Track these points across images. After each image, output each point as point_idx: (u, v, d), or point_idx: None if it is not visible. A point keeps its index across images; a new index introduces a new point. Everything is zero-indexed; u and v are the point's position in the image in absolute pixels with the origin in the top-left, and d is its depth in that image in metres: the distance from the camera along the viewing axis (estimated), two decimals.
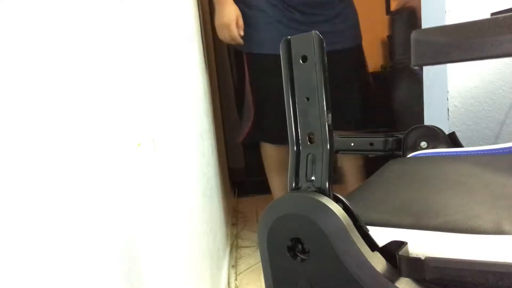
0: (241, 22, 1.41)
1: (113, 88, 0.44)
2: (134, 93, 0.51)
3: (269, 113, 1.49)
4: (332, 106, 0.37)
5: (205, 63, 1.47)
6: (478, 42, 0.28)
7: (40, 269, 0.27)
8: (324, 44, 0.38)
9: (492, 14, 0.73)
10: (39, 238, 0.27)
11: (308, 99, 0.39)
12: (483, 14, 1.06)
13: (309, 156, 0.40)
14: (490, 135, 1.14)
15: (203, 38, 1.50)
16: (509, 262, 0.34)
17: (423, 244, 0.41)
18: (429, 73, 1.18)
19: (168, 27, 0.79)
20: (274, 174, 1.61)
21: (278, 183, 1.62)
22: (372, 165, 0.77)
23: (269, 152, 1.60)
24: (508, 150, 0.69)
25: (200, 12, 1.50)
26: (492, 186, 0.48)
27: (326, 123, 0.38)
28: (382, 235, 0.43)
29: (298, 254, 0.40)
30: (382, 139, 0.76)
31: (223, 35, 1.42)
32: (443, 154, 0.69)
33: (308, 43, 0.38)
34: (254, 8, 1.43)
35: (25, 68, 0.28)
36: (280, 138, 1.52)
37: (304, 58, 0.38)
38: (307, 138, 0.40)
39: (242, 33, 1.42)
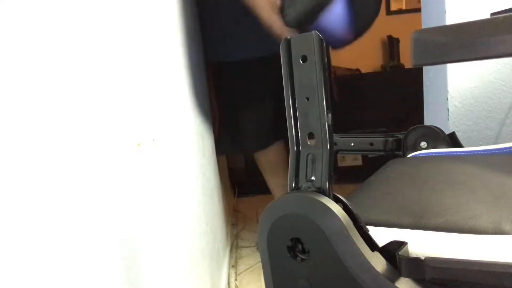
0: None
1: (113, 88, 0.44)
2: (135, 93, 0.51)
3: (241, 121, 1.42)
4: None
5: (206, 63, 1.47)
6: (478, 42, 0.28)
7: (41, 268, 0.27)
8: (324, 44, 0.38)
9: (492, 14, 0.73)
10: (40, 237, 0.28)
11: (308, 99, 0.39)
12: (483, 14, 1.06)
13: (309, 156, 0.40)
14: (490, 135, 1.14)
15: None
16: (509, 262, 0.34)
17: (423, 244, 0.41)
18: (429, 73, 1.18)
19: (168, 28, 0.79)
20: (269, 176, 1.61)
21: (275, 183, 1.63)
22: (372, 165, 0.77)
23: (257, 156, 1.57)
24: (508, 150, 0.69)
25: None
26: (492, 186, 0.48)
27: (326, 123, 0.38)
28: (382, 235, 0.43)
29: (298, 254, 0.40)
30: (382, 139, 0.76)
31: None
32: (443, 154, 0.69)
33: (308, 43, 0.38)
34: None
35: (26, 69, 0.28)
36: (256, 144, 1.47)
37: (304, 58, 0.38)
38: (307, 138, 0.40)
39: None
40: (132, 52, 0.52)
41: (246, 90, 1.39)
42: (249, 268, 1.45)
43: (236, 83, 1.39)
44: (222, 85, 1.43)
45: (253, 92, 1.38)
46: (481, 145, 0.71)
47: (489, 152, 0.70)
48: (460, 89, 1.09)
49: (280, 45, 0.39)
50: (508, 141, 0.68)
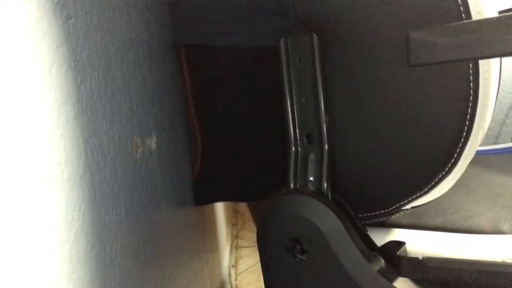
0: None
1: (113, 87, 0.44)
2: (134, 93, 0.51)
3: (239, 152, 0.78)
4: None
5: None
6: (475, 42, 0.28)
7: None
8: (323, 45, 0.38)
9: (500, 12, 0.72)
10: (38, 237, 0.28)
11: (306, 100, 0.39)
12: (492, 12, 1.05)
13: (308, 157, 0.40)
14: (490, 135, 1.14)
15: None
16: (506, 262, 0.34)
17: (421, 244, 0.41)
18: None
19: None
20: None
21: None
22: None
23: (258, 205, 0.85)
24: (508, 150, 0.69)
25: None
26: (491, 185, 0.48)
27: (324, 124, 0.38)
28: (380, 235, 0.43)
29: (297, 255, 0.40)
30: None
31: None
32: None
33: (306, 44, 0.38)
34: None
35: (20, 67, 0.28)
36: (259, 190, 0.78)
37: (302, 59, 0.38)
38: (305, 139, 0.40)
39: None
40: (133, 52, 0.52)
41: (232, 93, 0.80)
42: (249, 268, 1.45)
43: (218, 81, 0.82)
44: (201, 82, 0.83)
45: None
46: (481, 145, 0.71)
47: (489, 152, 0.70)
48: None
49: (279, 46, 0.39)
50: (508, 141, 0.68)
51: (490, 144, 0.97)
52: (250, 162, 0.79)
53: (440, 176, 0.36)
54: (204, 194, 0.82)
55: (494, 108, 1.13)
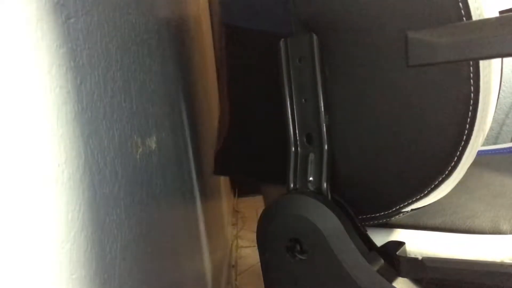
0: None
1: (114, 85, 0.44)
2: (134, 93, 0.51)
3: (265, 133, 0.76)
4: None
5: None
6: (473, 42, 0.28)
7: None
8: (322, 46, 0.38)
9: (501, 12, 0.72)
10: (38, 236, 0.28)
11: (305, 100, 0.39)
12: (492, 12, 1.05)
13: (308, 157, 0.40)
14: (490, 135, 1.14)
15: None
16: (506, 262, 0.35)
17: (421, 244, 0.41)
18: None
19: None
20: None
21: None
22: None
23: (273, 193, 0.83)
24: (508, 150, 0.69)
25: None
26: (491, 185, 0.48)
27: (324, 124, 0.38)
28: (380, 235, 0.43)
29: (297, 255, 0.40)
30: None
31: None
32: None
33: (306, 44, 0.38)
34: None
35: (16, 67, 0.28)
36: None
37: (302, 60, 0.38)
38: (305, 139, 0.40)
39: None
40: (135, 51, 0.52)
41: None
42: (249, 268, 1.45)
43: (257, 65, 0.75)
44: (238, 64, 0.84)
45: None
46: (481, 145, 0.71)
47: (489, 152, 0.70)
48: None
49: (279, 46, 0.39)
50: (508, 141, 0.68)
51: (490, 144, 0.98)
52: (270, 144, 0.75)
53: (440, 178, 0.36)
54: (223, 166, 0.88)
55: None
